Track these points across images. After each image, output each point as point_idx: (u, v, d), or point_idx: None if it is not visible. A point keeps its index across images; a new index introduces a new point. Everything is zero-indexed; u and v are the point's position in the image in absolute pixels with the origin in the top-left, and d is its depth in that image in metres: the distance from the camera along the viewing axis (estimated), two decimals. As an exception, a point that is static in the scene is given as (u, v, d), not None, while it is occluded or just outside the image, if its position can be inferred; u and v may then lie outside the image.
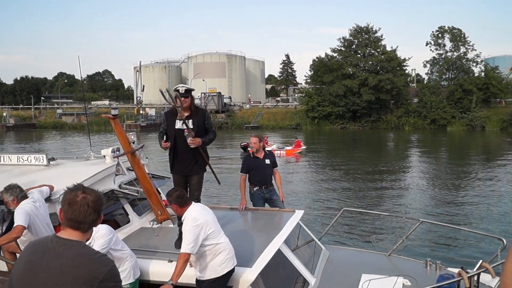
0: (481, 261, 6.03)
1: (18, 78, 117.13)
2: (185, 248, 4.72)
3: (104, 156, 7.74)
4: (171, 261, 5.31)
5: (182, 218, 5.00)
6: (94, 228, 2.78)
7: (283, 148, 37.34)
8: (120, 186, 7.18)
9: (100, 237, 4.80)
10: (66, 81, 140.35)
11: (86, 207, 2.50)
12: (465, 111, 63.42)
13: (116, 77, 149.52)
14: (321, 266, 6.93)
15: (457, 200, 19.27)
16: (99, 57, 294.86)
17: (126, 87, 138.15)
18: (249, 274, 5.18)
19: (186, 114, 6.41)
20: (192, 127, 6.37)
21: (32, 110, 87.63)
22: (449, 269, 6.76)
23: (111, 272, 2.51)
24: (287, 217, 7.03)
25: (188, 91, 6.45)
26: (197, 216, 4.91)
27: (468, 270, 5.52)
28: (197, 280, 4.99)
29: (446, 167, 29.96)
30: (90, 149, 8.40)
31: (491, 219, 15.33)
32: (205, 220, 4.90)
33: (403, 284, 6.01)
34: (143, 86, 70.50)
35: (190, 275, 5.02)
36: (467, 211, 16.83)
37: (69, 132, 71.52)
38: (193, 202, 5.14)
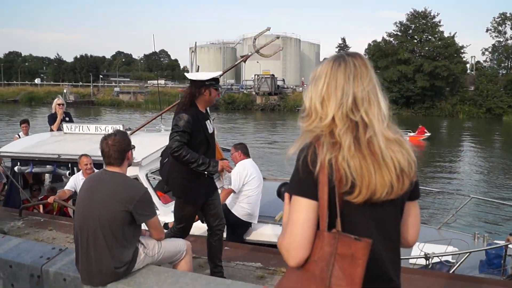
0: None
1: (78, 56, 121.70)
2: (232, 185, 6.13)
3: None
4: None
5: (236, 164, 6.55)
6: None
7: (406, 134, 33.59)
8: None
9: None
10: (123, 60, 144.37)
11: (108, 149, 3.61)
12: (523, 101, 61.94)
13: (172, 57, 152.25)
14: None
15: (506, 182, 19.99)
16: (156, 37, 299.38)
17: (181, 67, 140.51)
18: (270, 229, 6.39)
19: (204, 111, 4.79)
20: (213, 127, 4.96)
21: (91, 87, 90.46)
22: (496, 241, 7.31)
23: (145, 195, 3.59)
24: None
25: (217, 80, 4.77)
26: (247, 166, 6.47)
27: (517, 237, 6.35)
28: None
29: (498, 155, 30.27)
30: (161, 123, 9.52)
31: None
32: (251, 171, 6.41)
33: (447, 247, 6.60)
34: (198, 66, 71.47)
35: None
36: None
37: (125, 109, 74.02)
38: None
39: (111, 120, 52.40)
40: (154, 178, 7.36)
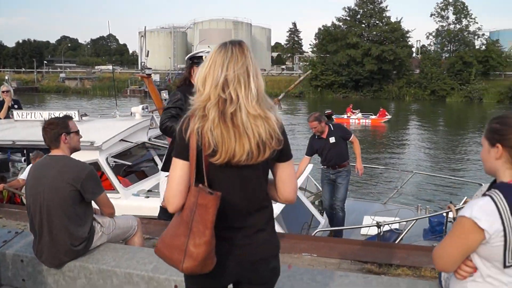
0: (465, 197, 7.47)
1: (20, 41, 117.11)
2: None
3: (131, 113, 9.04)
4: None
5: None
6: None
7: (368, 117, 36.30)
8: (149, 140, 8.04)
9: None
10: (69, 45, 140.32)
11: (44, 134, 3.79)
12: (464, 83, 64.05)
13: (121, 42, 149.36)
14: None
15: (447, 158, 21.09)
16: (104, 21, 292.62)
17: (130, 52, 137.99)
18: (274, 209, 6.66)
19: None
20: None
21: (35, 74, 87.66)
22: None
23: (90, 173, 3.72)
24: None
25: None
26: None
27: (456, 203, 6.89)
28: None
29: (442, 134, 31.63)
30: (116, 109, 9.51)
31: (475, 171, 17.21)
32: None
33: (395, 218, 7.20)
34: (148, 51, 70.55)
35: None
36: (455, 166, 18.58)
37: (72, 96, 72.31)
38: None
39: (57, 107, 51.05)
40: (114, 162, 7.41)
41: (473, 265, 1.97)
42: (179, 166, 2.08)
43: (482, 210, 1.83)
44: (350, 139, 7.80)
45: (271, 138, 2.01)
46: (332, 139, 7.62)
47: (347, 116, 36.12)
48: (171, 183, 2.10)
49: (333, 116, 36.21)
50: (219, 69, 2.00)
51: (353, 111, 36.49)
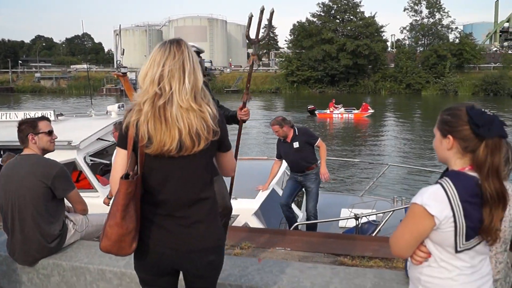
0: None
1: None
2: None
3: (107, 112, 9.04)
4: None
5: None
6: None
7: (351, 111, 36.41)
8: None
9: None
10: (44, 44, 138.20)
11: (17, 134, 3.85)
12: (439, 76, 65.08)
13: (96, 41, 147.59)
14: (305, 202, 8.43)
15: (422, 151, 21.45)
16: (78, 20, 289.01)
17: (106, 50, 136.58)
18: (253, 204, 6.76)
19: None
20: None
21: (10, 74, 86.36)
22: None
23: (61, 170, 3.74)
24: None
25: (198, 52, 4.21)
26: None
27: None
28: None
29: (417, 127, 32.09)
30: (91, 108, 9.48)
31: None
32: None
33: (372, 210, 7.33)
34: (123, 50, 70.09)
35: None
36: (431, 157, 18.93)
37: (48, 96, 71.39)
38: None
39: (33, 107, 50.36)
40: (91, 161, 7.39)
41: (427, 251, 2.05)
42: (120, 155, 2.26)
43: (432, 197, 1.89)
44: (316, 144, 7.42)
45: (205, 130, 2.14)
46: (295, 144, 7.30)
47: (330, 111, 36.39)
48: (113, 170, 2.29)
49: (316, 112, 36.54)
50: (156, 66, 2.14)
51: (336, 106, 36.66)
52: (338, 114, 36.11)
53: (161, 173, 2.21)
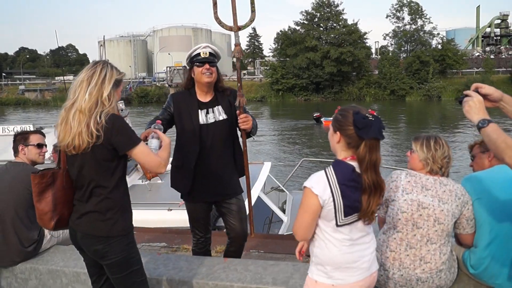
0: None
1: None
2: None
3: None
4: (170, 210, 6.79)
5: None
6: None
7: None
8: None
9: None
10: (28, 56, 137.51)
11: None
12: (423, 82, 65.62)
13: (81, 52, 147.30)
14: (289, 207, 8.58)
15: (404, 152, 22.15)
16: (63, 31, 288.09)
17: (91, 61, 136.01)
18: None
19: (208, 98, 3.95)
20: (222, 117, 3.95)
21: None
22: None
23: None
24: (259, 168, 8.42)
25: (215, 55, 3.92)
26: None
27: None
28: None
29: (403, 132, 32.63)
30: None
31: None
32: None
33: None
34: (108, 60, 69.99)
35: None
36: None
37: (32, 108, 71.00)
38: None
39: (15, 120, 50.09)
40: None
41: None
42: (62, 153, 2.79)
43: (316, 181, 2.30)
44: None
45: (89, 134, 2.52)
46: None
47: None
48: None
49: (321, 119, 36.81)
50: (77, 80, 2.66)
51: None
52: None
53: (71, 167, 2.72)
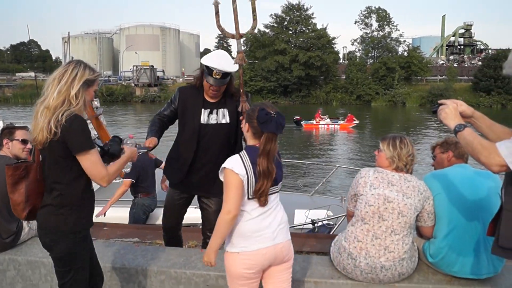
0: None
1: None
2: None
3: None
4: None
5: None
6: None
7: (337, 122, 37.60)
8: None
9: None
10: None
11: None
12: (388, 88, 66.97)
13: (43, 48, 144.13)
14: None
15: (371, 155, 22.65)
16: (24, 26, 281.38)
17: (54, 58, 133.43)
18: None
19: (215, 99, 4.07)
20: (225, 121, 4.08)
21: None
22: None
23: None
24: None
25: (227, 75, 3.95)
26: None
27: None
28: None
29: (367, 135, 33.33)
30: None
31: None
32: None
33: (327, 212, 7.74)
34: (72, 57, 68.23)
35: None
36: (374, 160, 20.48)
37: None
38: None
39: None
40: None
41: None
42: None
43: (234, 162, 2.72)
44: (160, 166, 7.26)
45: (48, 129, 2.62)
46: None
47: (316, 122, 37.31)
48: None
49: (302, 122, 37.15)
50: (51, 77, 2.76)
51: (322, 116, 37.58)
52: (324, 125, 37.18)
53: (45, 161, 2.80)
